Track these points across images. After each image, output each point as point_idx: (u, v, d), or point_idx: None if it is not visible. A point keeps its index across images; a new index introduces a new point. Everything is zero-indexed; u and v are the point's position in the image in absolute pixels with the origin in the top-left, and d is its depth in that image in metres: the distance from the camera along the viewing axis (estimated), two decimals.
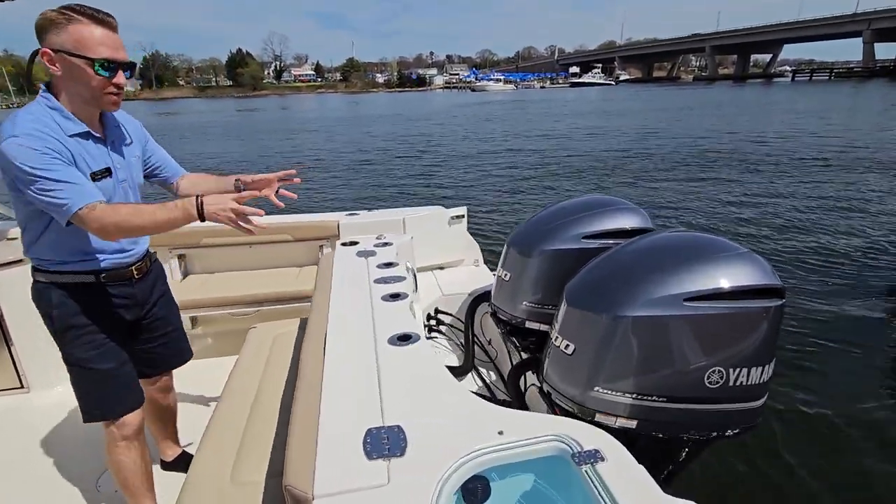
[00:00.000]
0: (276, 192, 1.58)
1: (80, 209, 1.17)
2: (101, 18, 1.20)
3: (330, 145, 17.68)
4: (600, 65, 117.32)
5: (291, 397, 1.12)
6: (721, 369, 1.27)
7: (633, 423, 1.34)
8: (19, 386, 2.20)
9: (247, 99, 78.33)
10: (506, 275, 1.91)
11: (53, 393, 2.18)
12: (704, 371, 1.27)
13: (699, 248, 1.33)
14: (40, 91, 1.27)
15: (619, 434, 1.44)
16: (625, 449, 0.88)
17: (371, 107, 45.94)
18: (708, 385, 1.28)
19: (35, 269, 1.36)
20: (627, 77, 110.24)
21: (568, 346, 1.40)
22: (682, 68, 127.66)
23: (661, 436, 1.36)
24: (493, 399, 1.91)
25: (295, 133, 22.50)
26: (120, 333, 1.45)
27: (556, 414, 1.53)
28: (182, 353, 1.72)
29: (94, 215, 1.18)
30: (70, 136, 1.24)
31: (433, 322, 2.31)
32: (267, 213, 1.38)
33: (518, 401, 1.71)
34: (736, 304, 1.25)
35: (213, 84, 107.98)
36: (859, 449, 2.45)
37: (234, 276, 2.47)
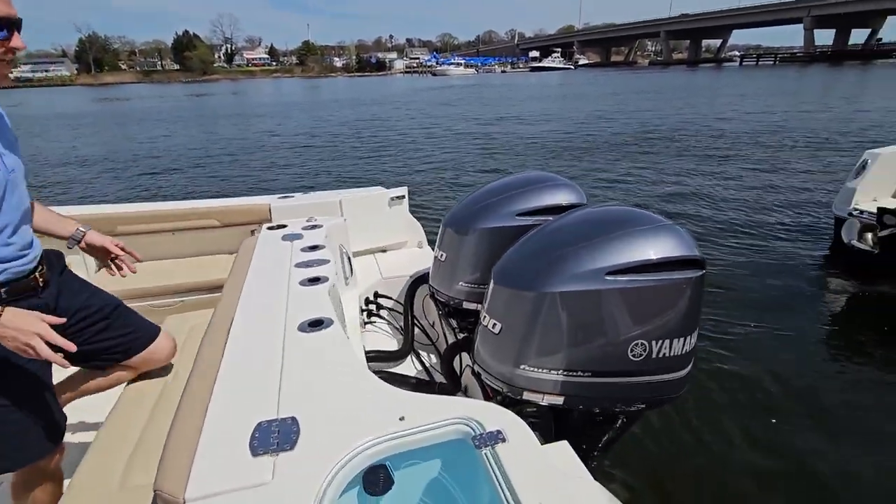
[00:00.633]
0: (114, 260, 1.48)
1: None
2: None
3: (279, 129, 17.08)
4: (560, 49, 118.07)
5: None
6: (644, 342, 1.27)
7: (560, 400, 1.33)
8: None
9: (196, 84, 74.38)
10: (442, 255, 1.88)
11: None
12: (628, 344, 1.27)
13: (620, 221, 1.32)
14: None
15: (548, 411, 1.44)
16: (527, 428, 0.85)
17: (329, 91, 44.67)
18: (632, 358, 1.28)
19: None
20: (586, 62, 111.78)
21: (495, 325, 1.38)
22: (638, 53, 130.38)
23: (590, 410, 1.36)
24: (431, 382, 1.87)
25: (246, 118, 21.58)
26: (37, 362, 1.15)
27: (487, 394, 1.51)
28: (148, 330, 1.49)
29: None
30: None
31: (372, 307, 2.23)
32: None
33: (453, 383, 1.68)
34: (657, 276, 1.25)
35: (159, 68, 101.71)
36: (782, 411, 2.57)
37: (156, 265, 2.30)
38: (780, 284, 3.98)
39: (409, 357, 2.00)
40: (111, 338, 1.40)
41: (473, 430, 0.84)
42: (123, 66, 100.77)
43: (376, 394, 0.94)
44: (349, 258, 2.15)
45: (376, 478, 0.80)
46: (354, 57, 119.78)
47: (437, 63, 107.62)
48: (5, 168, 1.15)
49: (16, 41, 1.08)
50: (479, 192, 1.89)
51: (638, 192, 7.47)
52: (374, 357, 1.88)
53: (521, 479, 0.72)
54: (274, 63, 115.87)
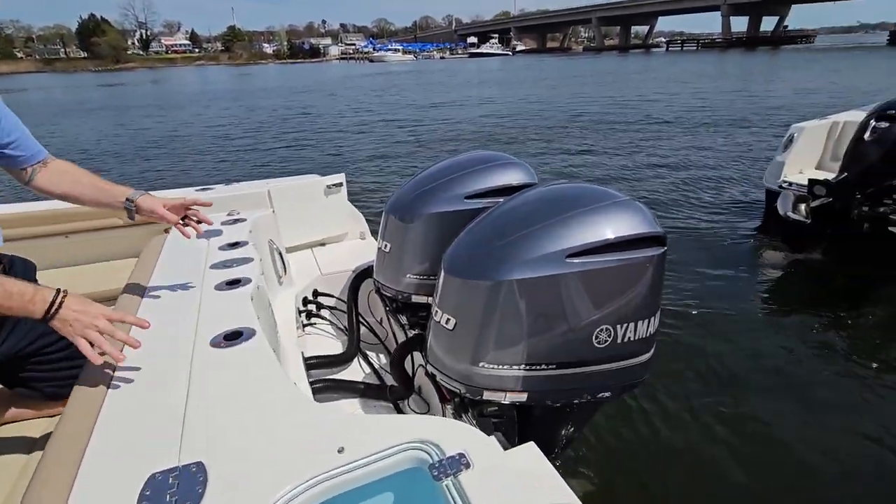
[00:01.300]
0: (184, 219, 1.23)
1: None
2: None
3: (201, 120, 15.94)
4: (497, 35, 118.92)
5: None
6: (608, 327, 1.19)
7: (523, 397, 1.23)
8: None
9: (109, 73, 67.87)
10: (386, 246, 1.71)
11: None
12: (592, 331, 1.18)
13: (577, 199, 1.22)
14: None
15: (510, 408, 1.33)
16: (497, 446, 0.71)
17: (260, 79, 42.34)
18: (597, 345, 1.19)
19: None
20: (523, 48, 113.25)
21: (449, 320, 1.24)
22: (573, 39, 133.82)
23: (555, 404, 1.27)
24: (381, 387, 1.71)
25: (165, 109, 19.94)
26: None
27: (443, 396, 1.37)
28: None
29: None
30: None
31: (312, 307, 2.02)
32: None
33: (405, 385, 1.53)
34: (620, 255, 1.16)
35: (63, 56, 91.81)
36: (746, 387, 2.61)
37: (46, 275, 1.93)
38: (718, 257, 4.14)
39: (355, 360, 1.83)
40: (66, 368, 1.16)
41: (431, 455, 0.69)
42: (20, 55, 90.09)
43: (308, 420, 0.77)
44: (281, 254, 1.92)
45: None
46: (286, 43, 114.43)
47: (374, 49, 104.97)
48: None
49: None
50: (422, 174, 1.74)
51: (574, 174, 7.61)
52: (315, 363, 1.69)
53: None
54: (197, 50, 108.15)
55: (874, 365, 2.75)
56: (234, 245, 1.47)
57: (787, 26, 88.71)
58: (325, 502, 0.66)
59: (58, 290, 0.90)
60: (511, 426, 1.32)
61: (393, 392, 1.59)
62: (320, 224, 2.35)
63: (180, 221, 1.24)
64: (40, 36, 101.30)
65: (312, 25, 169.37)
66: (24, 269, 1.22)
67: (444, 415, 1.34)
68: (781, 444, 2.22)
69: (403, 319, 1.74)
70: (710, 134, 10.09)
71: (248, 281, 1.21)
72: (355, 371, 1.80)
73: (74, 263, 1.99)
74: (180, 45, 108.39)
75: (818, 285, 3.72)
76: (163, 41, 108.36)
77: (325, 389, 1.56)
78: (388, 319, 1.83)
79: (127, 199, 1.20)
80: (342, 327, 2.01)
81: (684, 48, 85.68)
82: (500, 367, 1.20)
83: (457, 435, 0.73)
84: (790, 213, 3.23)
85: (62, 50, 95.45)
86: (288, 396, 0.83)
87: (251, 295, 1.15)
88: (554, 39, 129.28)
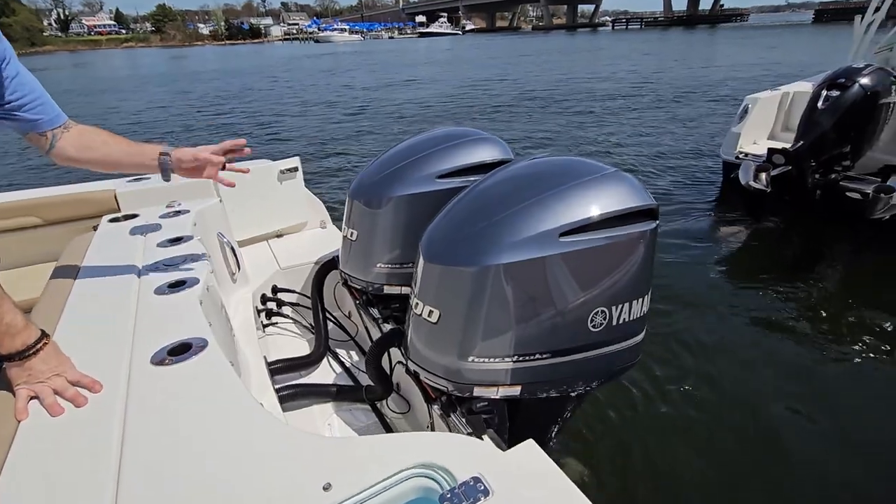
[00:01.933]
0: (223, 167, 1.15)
1: None
2: None
3: (131, 106, 14.73)
4: (446, 14, 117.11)
5: None
6: (604, 309, 1.11)
7: (516, 390, 1.13)
8: None
9: (24, 57, 61.47)
10: (352, 234, 1.57)
11: None
12: (588, 314, 1.10)
13: (564, 173, 1.13)
14: None
15: (501, 402, 1.24)
16: (516, 462, 0.60)
17: (196, 62, 39.61)
18: (592, 329, 1.11)
19: None
20: (473, 27, 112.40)
21: (431, 312, 1.12)
22: (521, 18, 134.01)
23: (549, 395, 1.19)
24: (357, 388, 1.57)
25: (89, 94, 18.31)
26: None
27: (428, 395, 1.26)
28: None
29: None
30: None
31: (271, 305, 1.84)
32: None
33: (383, 385, 1.40)
34: (613, 231, 1.08)
35: None
36: (735, 363, 2.62)
37: None
38: (678, 230, 4.22)
39: (324, 360, 1.67)
40: None
41: (439, 483, 0.57)
42: None
43: (283, 450, 0.63)
44: (233, 249, 1.72)
45: None
46: (223, 23, 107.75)
47: (319, 29, 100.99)
48: None
49: None
50: (387, 154, 1.59)
51: (529, 152, 7.62)
52: (281, 368, 1.53)
53: None
54: (124, 31, 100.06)
55: (825, 326, 2.90)
56: (177, 241, 1.27)
57: (723, 5, 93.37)
58: None
59: (41, 336, 0.79)
60: (502, 422, 1.23)
61: (370, 392, 1.46)
62: (275, 213, 2.15)
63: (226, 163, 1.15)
64: None
65: (251, 4, 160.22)
66: None
67: (429, 415, 1.23)
68: (756, 414, 2.25)
69: (375, 313, 1.60)
70: (661, 109, 10.35)
71: (196, 281, 1.03)
72: (325, 372, 1.65)
73: None
74: (104, 25, 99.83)
75: (777, 252, 3.87)
76: (84, 22, 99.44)
77: (293, 396, 1.41)
78: (359, 314, 1.68)
79: (161, 154, 1.09)
80: (307, 325, 1.84)
81: (629, 27, 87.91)
82: (491, 360, 1.10)
83: (467, 454, 0.61)
84: (752, 182, 3.32)
85: None
86: (254, 421, 0.68)
87: (200, 298, 0.97)
88: (503, 18, 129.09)
